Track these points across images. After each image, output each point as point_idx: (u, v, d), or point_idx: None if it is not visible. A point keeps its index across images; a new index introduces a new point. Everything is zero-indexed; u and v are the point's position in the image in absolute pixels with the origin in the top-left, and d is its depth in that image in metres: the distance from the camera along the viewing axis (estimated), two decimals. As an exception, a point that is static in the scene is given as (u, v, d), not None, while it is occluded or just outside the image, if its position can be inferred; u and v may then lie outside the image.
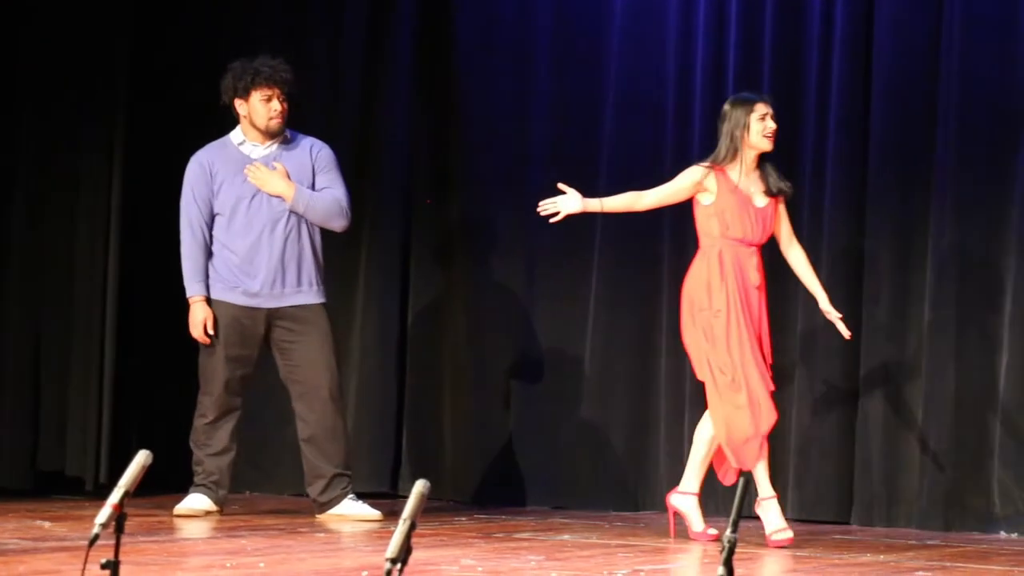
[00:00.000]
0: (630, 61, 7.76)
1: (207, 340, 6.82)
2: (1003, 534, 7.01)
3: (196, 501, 6.83)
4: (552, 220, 6.49)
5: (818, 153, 7.36)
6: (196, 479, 6.89)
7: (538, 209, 6.50)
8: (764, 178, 6.38)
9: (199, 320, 6.81)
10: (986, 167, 7.17)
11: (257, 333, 6.84)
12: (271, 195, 6.79)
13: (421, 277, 8.11)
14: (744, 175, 6.36)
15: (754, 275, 6.33)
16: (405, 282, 8.11)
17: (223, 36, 8.14)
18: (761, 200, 6.37)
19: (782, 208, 6.44)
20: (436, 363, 8.06)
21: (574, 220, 7.81)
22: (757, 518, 6.48)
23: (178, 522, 6.58)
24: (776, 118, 6.37)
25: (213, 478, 6.85)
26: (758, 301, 6.34)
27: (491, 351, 7.97)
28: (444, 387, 8.03)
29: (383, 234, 8.09)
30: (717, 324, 6.27)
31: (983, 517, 7.09)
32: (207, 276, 6.84)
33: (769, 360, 6.35)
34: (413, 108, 8.10)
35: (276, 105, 6.80)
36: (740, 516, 3.22)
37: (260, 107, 6.82)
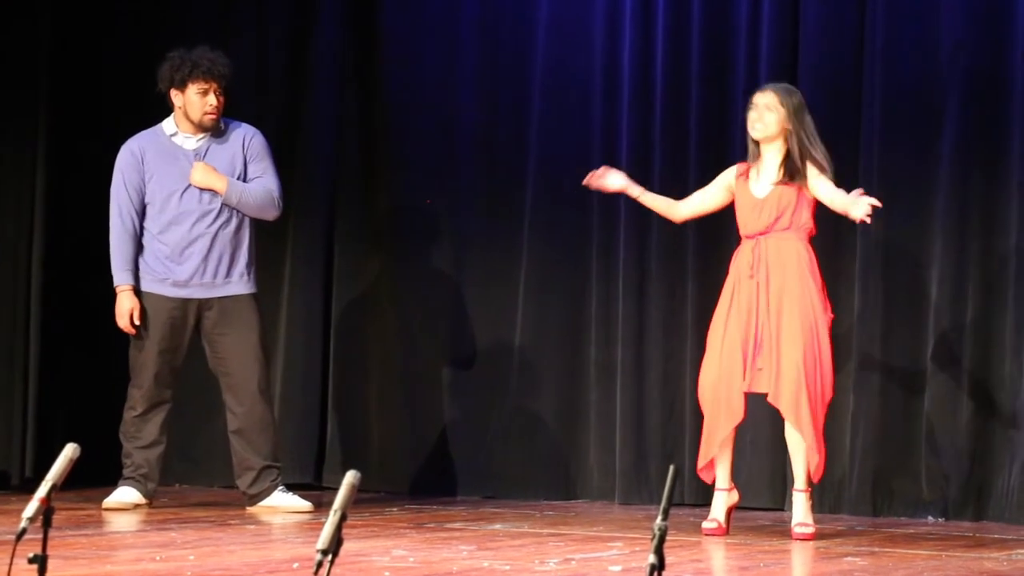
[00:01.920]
0: (557, 48, 7.76)
1: (133, 331, 6.78)
2: (931, 519, 7.07)
3: (125, 494, 6.79)
4: (591, 187, 6.57)
5: (747, 140, 7.38)
6: (125, 472, 6.85)
7: (584, 181, 6.56)
8: (781, 165, 6.25)
9: (125, 310, 6.77)
10: (911, 155, 7.23)
11: (187, 325, 6.81)
12: (203, 189, 6.76)
13: (346, 266, 8.08)
14: (756, 167, 6.28)
15: (745, 268, 6.23)
16: (329, 271, 8.08)
17: (147, 19, 8.08)
18: (762, 190, 6.25)
19: (819, 192, 6.20)
20: (362, 353, 8.03)
21: (502, 208, 7.86)
22: (690, 506, 6.51)
23: (107, 515, 6.54)
24: (770, 107, 6.26)
25: (142, 471, 6.81)
26: (753, 292, 6.18)
27: (419, 340, 7.96)
28: (371, 377, 8.01)
29: (308, 223, 8.05)
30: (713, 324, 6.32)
31: (911, 502, 7.14)
32: (136, 266, 6.81)
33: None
34: (339, 95, 8.07)
35: (212, 99, 6.76)
36: (670, 505, 3.23)
37: (196, 100, 6.77)
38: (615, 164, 7.59)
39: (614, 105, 7.64)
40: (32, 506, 3.42)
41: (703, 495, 7.08)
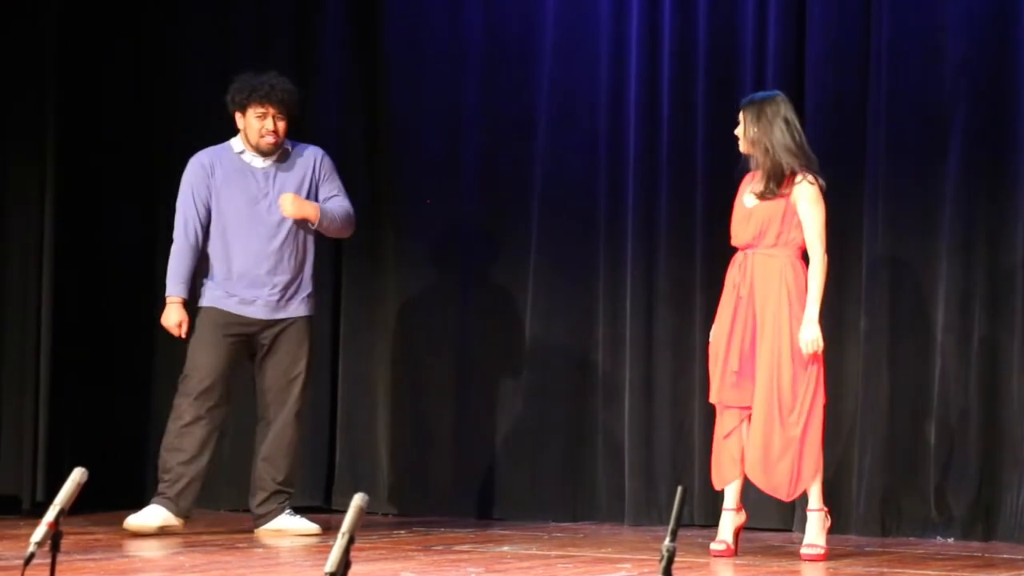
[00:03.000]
0: (562, 71, 7.77)
1: (180, 335, 6.72)
2: (939, 539, 7.05)
3: (150, 515, 6.65)
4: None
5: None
6: (159, 487, 6.73)
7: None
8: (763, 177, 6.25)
9: (173, 323, 6.73)
10: (916, 174, 7.22)
11: (247, 343, 6.78)
12: (296, 218, 6.73)
13: (353, 289, 8.08)
14: (755, 178, 6.29)
15: (740, 282, 6.24)
16: (337, 294, 8.09)
17: (149, 40, 8.10)
18: (750, 200, 6.26)
19: (799, 210, 6.17)
20: (369, 374, 8.03)
21: (507, 228, 7.87)
22: (699, 527, 6.50)
23: (116, 540, 6.49)
24: (740, 120, 6.32)
25: (177, 487, 6.66)
26: (744, 308, 6.20)
27: (427, 363, 7.96)
28: (378, 399, 8.01)
29: (316, 247, 8.05)
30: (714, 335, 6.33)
31: (920, 523, 7.13)
32: (190, 280, 6.75)
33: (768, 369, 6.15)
34: (343, 121, 8.08)
35: (269, 124, 6.76)
36: (678, 526, 3.23)
37: (254, 123, 6.78)
38: (622, 182, 7.62)
39: (620, 123, 7.64)
40: (40, 531, 3.42)
41: (712, 516, 7.07)
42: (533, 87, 7.83)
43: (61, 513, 3.44)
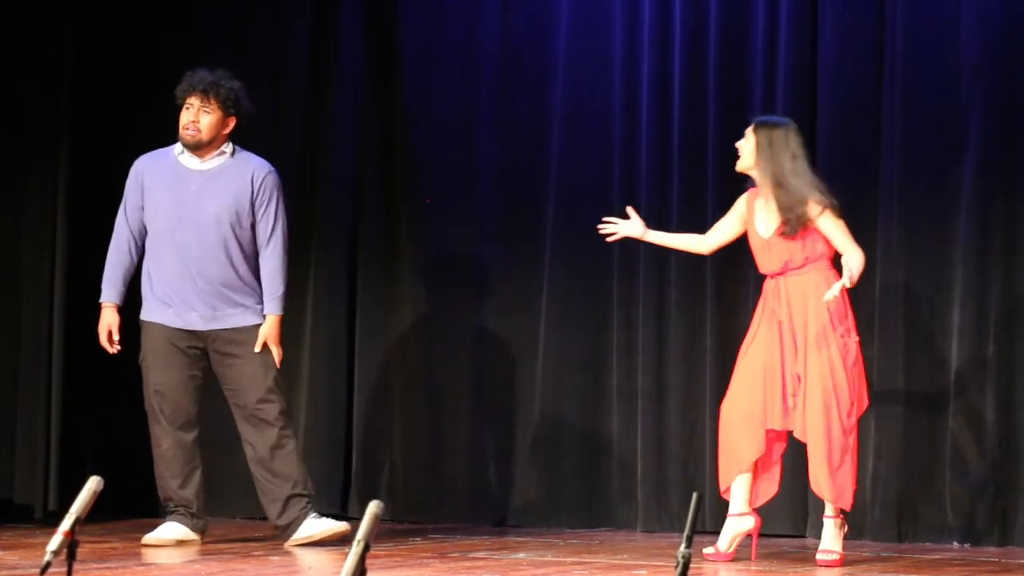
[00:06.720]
0: (576, 79, 7.77)
1: (111, 349, 6.65)
2: (956, 544, 7.04)
3: (168, 530, 6.57)
4: (608, 239, 6.53)
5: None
6: (168, 507, 6.65)
7: (598, 227, 6.53)
8: (780, 212, 6.21)
9: (102, 327, 6.63)
10: (931, 179, 7.21)
11: (194, 355, 6.59)
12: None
13: (369, 296, 8.08)
14: (763, 201, 6.26)
15: (776, 307, 6.20)
16: (352, 301, 8.09)
17: (167, 51, 8.12)
18: (766, 228, 6.24)
19: (824, 232, 6.16)
20: (385, 382, 8.03)
21: (522, 234, 7.87)
22: (713, 533, 6.49)
23: (132, 549, 6.48)
24: (747, 136, 6.30)
25: (185, 506, 6.58)
26: (776, 331, 6.17)
27: (441, 370, 7.96)
28: (394, 406, 8.01)
29: (330, 254, 8.06)
30: (745, 350, 6.29)
31: (936, 528, 7.12)
32: (123, 285, 6.65)
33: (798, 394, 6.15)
34: (358, 127, 8.09)
35: (189, 115, 6.53)
36: (694, 532, 3.23)
37: (181, 116, 6.58)
38: (634, 191, 7.62)
39: (633, 132, 7.64)
40: (56, 539, 3.43)
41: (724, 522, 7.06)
42: (547, 93, 7.83)
43: (77, 522, 3.45)
